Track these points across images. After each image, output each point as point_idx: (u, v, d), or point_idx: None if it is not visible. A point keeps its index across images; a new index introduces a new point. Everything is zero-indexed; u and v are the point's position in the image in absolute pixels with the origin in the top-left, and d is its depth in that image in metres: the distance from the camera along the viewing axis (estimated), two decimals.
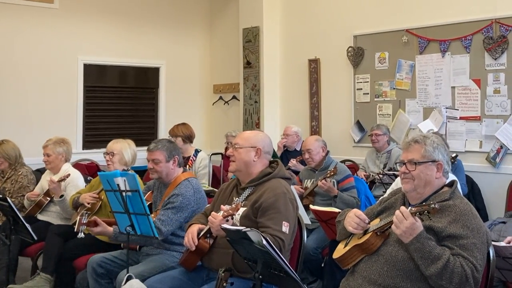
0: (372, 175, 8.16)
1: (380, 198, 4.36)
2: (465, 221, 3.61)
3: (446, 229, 3.60)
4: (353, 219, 3.94)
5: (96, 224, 5.16)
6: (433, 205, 3.41)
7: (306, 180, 7.13)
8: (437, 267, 3.44)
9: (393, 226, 3.57)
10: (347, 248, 3.94)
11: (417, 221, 3.49)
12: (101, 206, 6.35)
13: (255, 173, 4.65)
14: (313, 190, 6.88)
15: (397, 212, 3.54)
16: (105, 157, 6.61)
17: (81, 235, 5.05)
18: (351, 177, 6.94)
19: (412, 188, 3.88)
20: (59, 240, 6.34)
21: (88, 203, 6.35)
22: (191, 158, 8.29)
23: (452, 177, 4.32)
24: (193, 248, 4.56)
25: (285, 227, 4.30)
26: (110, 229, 5.19)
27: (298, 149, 9.41)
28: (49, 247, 6.35)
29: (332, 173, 6.70)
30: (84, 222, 5.09)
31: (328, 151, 7.15)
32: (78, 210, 6.47)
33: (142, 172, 6.76)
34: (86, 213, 5.22)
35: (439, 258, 3.45)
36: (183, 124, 8.46)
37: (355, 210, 4.03)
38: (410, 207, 3.55)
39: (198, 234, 4.61)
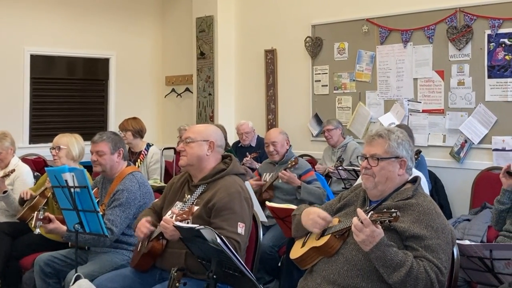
0: (327, 169, 8.06)
1: (340, 194, 4.25)
2: (429, 221, 3.54)
3: (410, 229, 3.52)
4: (318, 221, 3.80)
5: (50, 220, 5.06)
6: (394, 214, 3.30)
7: (265, 174, 7.05)
8: (400, 275, 3.36)
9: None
10: (305, 249, 3.86)
11: (377, 228, 3.38)
12: (48, 203, 6.23)
13: (208, 168, 4.56)
14: (273, 183, 6.79)
15: (355, 220, 3.41)
16: (51, 152, 6.49)
17: (37, 230, 5.01)
18: (312, 171, 6.95)
19: (373, 186, 3.80)
20: (7, 239, 6.29)
21: (25, 196, 6.33)
22: (142, 152, 8.25)
23: (416, 172, 4.20)
24: (148, 231, 4.49)
25: (241, 228, 4.26)
26: (64, 227, 5.08)
27: (253, 144, 9.23)
28: None
29: (294, 163, 6.66)
30: (41, 217, 5.01)
31: (290, 145, 7.11)
32: (24, 205, 6.34)
33: (91, 167, 6.66)
34: (43, 208, 5.21)
35: (401, 265, 3.37)
36: (134, 118, 8.45)
37: (318, 211, 3.87)
38: (370, 214, 3.40)
39: (150, 236, 4.52)
